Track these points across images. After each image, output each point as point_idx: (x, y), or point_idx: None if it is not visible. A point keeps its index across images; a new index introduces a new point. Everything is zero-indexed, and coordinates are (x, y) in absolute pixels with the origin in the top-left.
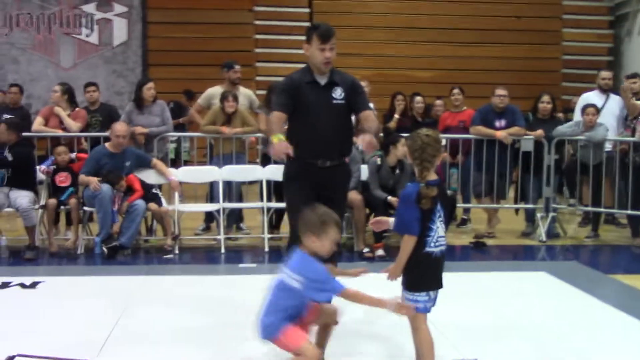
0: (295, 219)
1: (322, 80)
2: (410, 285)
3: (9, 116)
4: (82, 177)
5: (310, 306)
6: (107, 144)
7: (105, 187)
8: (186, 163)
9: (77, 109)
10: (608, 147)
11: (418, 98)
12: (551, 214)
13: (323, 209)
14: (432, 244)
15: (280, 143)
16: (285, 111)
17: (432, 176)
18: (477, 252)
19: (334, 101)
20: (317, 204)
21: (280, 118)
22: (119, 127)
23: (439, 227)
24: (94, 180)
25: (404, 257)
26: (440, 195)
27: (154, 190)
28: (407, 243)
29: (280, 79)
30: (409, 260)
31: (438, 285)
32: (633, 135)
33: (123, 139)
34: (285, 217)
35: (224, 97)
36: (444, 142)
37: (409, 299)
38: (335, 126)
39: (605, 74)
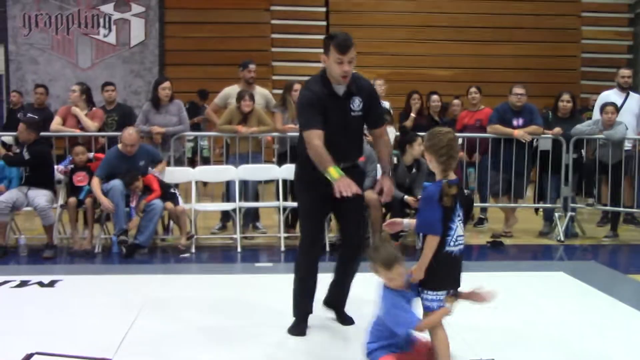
0: (307, 223)
1: (340, 91)
2: (432, 284)
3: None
4: (95, 184)
5: (417, 343)
6: (120, 146)
7: (116, 182)
8: (206, 161)
9: (94, 108)
10: (627, 145)
11: (434, 97)
12: (569, 214)
13: (391, 247)
14: (452, 243)
15: (343, 180)
16: (322, 128)
17: (452, 176)
18: (495, 252)
19: (352, 113)
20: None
21: (320, 137)
22: (128, 136)
23: (458, 227)
24: (106, 202)
25: (428, 257)
26: (459, 194)
27: (171, 190)
28: (431, 243)
29: (297, 78)
30: (434, 259)
31: (456, 284)
32: None
33: (132, 147)
34: None
35: (240, 97)
36: (460, 141)
37: (430, 299)
38: (351, 136)
39: (625, 72)
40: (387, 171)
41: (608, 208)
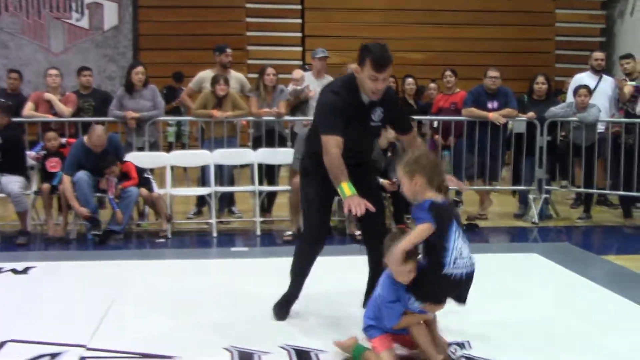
0: (314, 213)
1: (366, 100)
2: (421, 297)
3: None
4: (67, 186)
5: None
6: (85, 139)
7: (82, 174)
8: (184, 147)
9: (67, 93)
10: (600, 128)
11: (409, 80)
12: (544, 196)
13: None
14: (451, 265)
15: (354, 199)
16: (340, 133)
17: (441, 197)
18: (470, 234)
19: (372, 123)
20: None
21: (339, 145)
22: (97, 139)
23: (461, 248)
24: (80, 210)
25: (410, 240)
26: (457, 215)
27: (145, 175)
28: (420, 227)
29: (272, 62)
30: (426, 277)
31: (444, 300)
32: (626, 117)
33: (100, 148)
34: (278, 201)
35: (215, 81)
36: (435, 124)
37: (414, 306)
38: (365, 143)
39: (599, 55)
40: None
41: (581, 190)
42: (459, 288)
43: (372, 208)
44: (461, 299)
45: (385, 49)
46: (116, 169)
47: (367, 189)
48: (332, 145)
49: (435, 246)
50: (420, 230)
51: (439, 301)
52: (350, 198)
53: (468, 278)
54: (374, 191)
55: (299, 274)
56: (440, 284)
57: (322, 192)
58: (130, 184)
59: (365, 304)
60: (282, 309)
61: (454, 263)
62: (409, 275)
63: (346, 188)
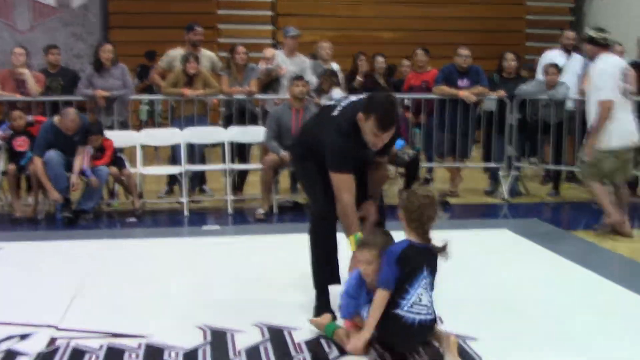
0: (318, 193)
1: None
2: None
3: None
4: (39, 168)
5: None
6: (55, 120)
7: (53, 153)
8: (160, 125)
9: (34, 72)
10: (569, 105)
11: (379, 58)
12: (513, 173)
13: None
14: (406, 307)
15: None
16: (352, 171)
17: (424, 239)
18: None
19: (372, 153)
20: None
21: (352, 187)
22: (71, 123)
23: (421, 295)
24: (54, 194)
25: (374, 315)
26: (429, 261)
27: (118, 154)
28: (378, 297)
29: (243, 41)
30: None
31: (391, 344)
32: None
33: (72, 132)
34: (249, 179)
35: (185, 59)
36: (407, 101)
37: (364, 317)
38: (367, 161)
39: (570, 34)
40: (375, 198)
41: (551, 167)
42: (407, 333)
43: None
44: (408, 346)
45: (392, 108)
46: (99, 140)
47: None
48: (345, 188)
49: (397, 287)
50: (378, 304)
51: (385, 339)
52: (357, 254)
53: (421, 326)
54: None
55: (323, 262)
56: (390, 324)
57: (321, 170)
58: (101, 162)
59: None
60: (320, 303)
61: (410, 306)
62: (366, 266)
63: (352, 242)
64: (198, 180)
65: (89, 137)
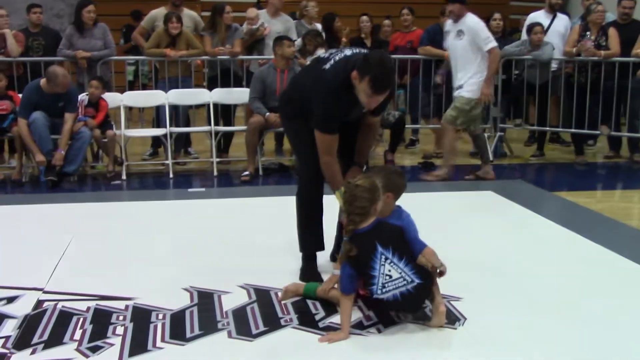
0: (305, 151)
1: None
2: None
3: None
4: (23, 129)
5: None
6: (42, 82)
7: (38, 114)
8: (145, 87)
9: (13, 31)
10: (554, 66)
11: (364, 17)
12: (498, 134)
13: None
14: (379, 291)
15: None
16: (337, 132)
17: (368, 222)
18: (426, 172)
19: (364, 111)
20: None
21: (333, 146)
22: (63, 79)
23: (389, 271)
24: (39, 156)
25: (345, 317)
26: (381, 236)
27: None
28: (343, 303)
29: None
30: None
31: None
32: (578, 55)
33: (63, 89)
34: (234, 141)
35: (167, 19)
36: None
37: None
38: (356, 119)
39: None
40: (360, 163)
41: (535, 128)
42: (398, 306)
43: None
44: (407, 312)
45: (389, 70)
46: (99, 88)
47: (355, 124)
48: (326, 151)
49: (362, 275)
50: (343, 310)
51: (382, 314)
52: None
53: (405, 295)
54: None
55: (308, 222)
56: (376, 307)
57: (310, 130)
58: (95, 122)
59: (332, 257)
60: (307, 268)
61: (383, 288)
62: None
63: (338, 197)
64: (183, 143)
65: (90, 81)
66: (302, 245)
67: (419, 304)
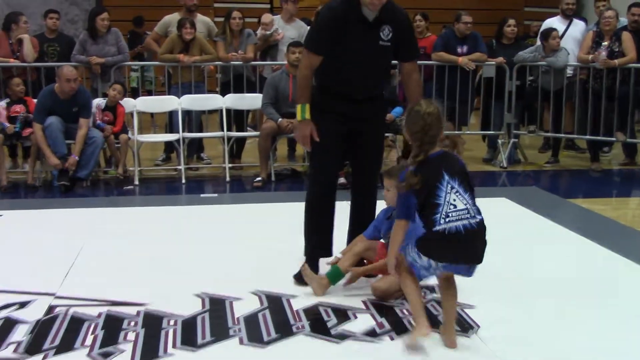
0: (320, 153)
1: (370, 16)
2: (419, 243)
3: None
4: (39, 135)
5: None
6: (56, 87)
7: (53, 119)
8: (150, 93)
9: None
10: (569, 72)
11: None
12: (512, 140)
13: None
14: (442, 221)
15: (302, 127)
16: (321, 52)
17: (435, 150)
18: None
19: (381, 42)
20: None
21: (314, 64)
22: (68, 70)
23: (454, 200)
24: (53, 159)
25: (395, 241)
26: (446, 165)
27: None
28: (396, 227)
29: (238, 5)
30: (425, 235)
31: (452, 259)
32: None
33: (74, 83)
34: (247, 146)
35: (180, 24)
36: None
37: (409, 254)
38: (374, 68)
39: None
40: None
41: (549, 134)
42: (460, 243)
43: (316, 138)
44: (468, 256)
45: None
46: (117, 90)
47: (373, 133)
48: (306, 65)
49: (424, 206)
50: (395, 232)
51: (438, 256)
52: (300, 124)
53: (469, 230)
54: (378, 136)
55: (313, 231)
56: (435, 240)
57: (331, 128)
58: (115, 130)
59: None
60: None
61: (446, 217)
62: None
63: (299, 111)
64: (195, 148)
65: (113, 84)
66: (305, 247)
67: (480, 246)
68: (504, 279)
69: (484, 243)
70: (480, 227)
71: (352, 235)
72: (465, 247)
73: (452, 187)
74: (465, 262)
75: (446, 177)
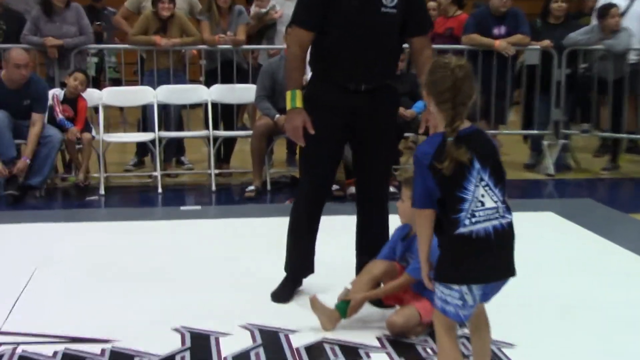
0: (312, 159)
1: None
2: (439, 272)
3: None
4: None
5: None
6: (2, 75)
7: (0, 113)
8: (113, 82)
9: None
10: (633, 58)
11: None
12: (561, 142)
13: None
14: (467, 221)
15: (295, 115)
16: (312, 28)
17: (465, 124)
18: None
19: (383, 9)
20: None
21: (302, 42)
22: (18, 54)
23: (482, 196)
24: (2, 172)
25: (422, 242)
26: (477, 149)
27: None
28: (418, 220)
29: None
30: (441, 243)
31: (486, 276)
32: None
33: (25, 69)
34: (237, 148)
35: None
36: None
37: (437, 295)
38: (380, 43)
39: None
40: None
41: (607, 134)
42: (490, 252)
43: (310, 130)
44: (501, 269)
45: None
46: (79, 79)
47: (379, 131)
48: (293, 42)
49: (445, 200)
50: (419, 224)
51: (464, 276)
52: (290, 114)
53: (499, 232)
54: (386, 136)
55: (296, 240)
56: (457, 247)
57: (327, 127)
58: (77, 128)
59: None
60: (282, 289)
61: (472, 217)
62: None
63: (289, 97)
64: (174, 150)
65: (74, 72)
66: (286, 263)
67: (511, 253)
68: (550, 310)
69: (513, 251)
70: (511, 230)
71: (361, 261)
72: (497, 256)
73: (482, 179)
74: (497, 278)
75: (477, 166)
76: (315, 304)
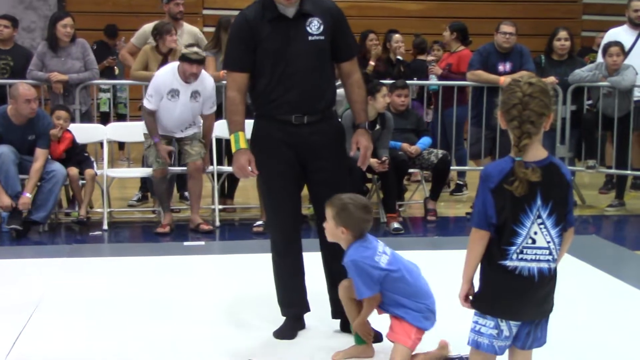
0: (273, 207)
1: (290, 12)
2: (477, 302)
3: None
4: None
5: None
6: (9, 110)
7: (5, 149)
8: (123, 118)
9: None
10: (637, 95)
11: (396, 36)
12: None
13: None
14: (515, 256)
15: (239, 155)
16: (244, 69)
17: (540, 151)
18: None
19: (310, 37)
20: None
21: (238, 85)
22: (25, 89)
23: (536, 233)
24: (6, 201)
25: (470, 260)
26: (545, 184)
27: (85, 153)
28: (472, 237)
29: (234, 12)
30: (484, 270)
31: (521, 315)
32: None
33: (35, 103)
34: (241, 184)
35: (159, 31)
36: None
37: (471, 328)
38: (313, 70)
39: (637, 4)
40: (362, 123)
41: (613, 171)
42: (526, 289)
43: (254, 173)
44: (536, 309)
45: None
46: (68, 119)
47: (328, 166)
48: (230, 86)
49: (500, 228)
50: (472, 241)
51: (501, 311)
52: (235, 155)
53: (545, 276)
54: (336, 171)
55: (284, 283)
56: (498, 279)
57: (280, 162)
58: (54, 157)
59: (335, 315)
60: (285, 327)
61: (520, 253)
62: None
63: (233, 141)
64: (178, 185)
65: (55, 110)
66: (283, 305)
67: (551, 296)
68: (558, 353)
69: (553, 293)
70: (555, 275)
71: (335, 300)
72: (537, 298)
73: (539, 217)
74: (533, 317)
75: (538, 202)
76: (342, 357)
